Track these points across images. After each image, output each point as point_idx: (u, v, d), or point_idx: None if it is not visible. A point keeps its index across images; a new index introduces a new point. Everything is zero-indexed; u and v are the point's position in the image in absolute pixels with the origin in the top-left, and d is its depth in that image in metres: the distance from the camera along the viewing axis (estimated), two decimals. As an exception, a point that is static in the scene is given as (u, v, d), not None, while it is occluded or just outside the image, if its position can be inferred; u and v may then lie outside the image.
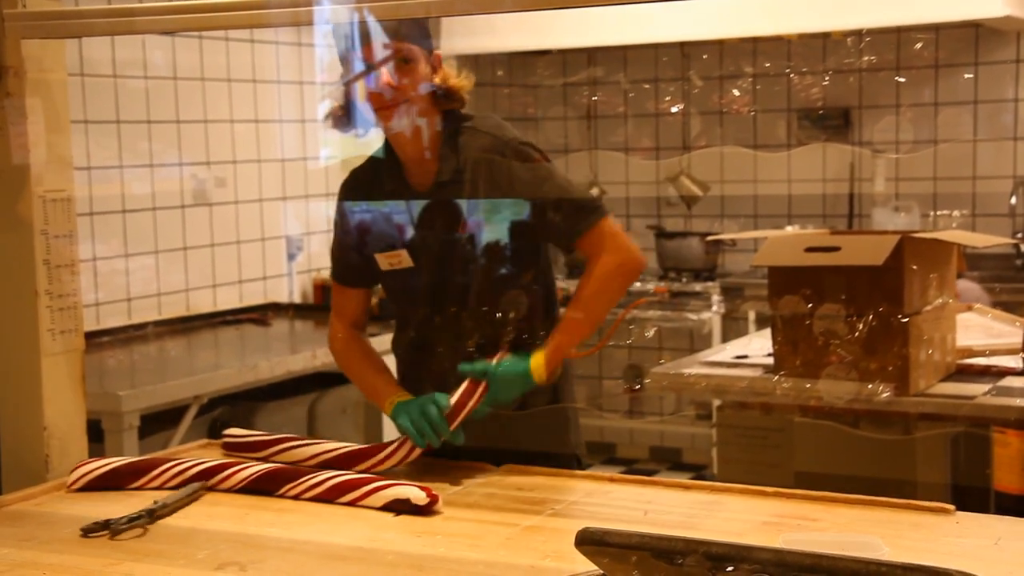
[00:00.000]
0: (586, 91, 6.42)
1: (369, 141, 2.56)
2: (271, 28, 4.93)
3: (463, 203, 2.46)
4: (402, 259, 2.50)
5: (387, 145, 2.51)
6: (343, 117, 2.50)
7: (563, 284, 5.81)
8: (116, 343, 4.40)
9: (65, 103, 2.42)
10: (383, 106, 2.41)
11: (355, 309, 2.64)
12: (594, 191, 6.20)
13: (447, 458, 2.42)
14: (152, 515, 2.06)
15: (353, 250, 2.56)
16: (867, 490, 2.14)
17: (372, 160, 2.56)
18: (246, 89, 5.15)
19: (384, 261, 2.52)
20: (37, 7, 2.34)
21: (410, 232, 2.49)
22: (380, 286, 2.64)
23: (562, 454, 2.55)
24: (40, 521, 2.11)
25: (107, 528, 2.00)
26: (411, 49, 2.39)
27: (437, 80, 2.44)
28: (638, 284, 5.86)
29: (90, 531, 2.00)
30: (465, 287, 2.49)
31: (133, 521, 2.03)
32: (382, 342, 4.62)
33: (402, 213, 2.51)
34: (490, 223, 2.47)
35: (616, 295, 2.50)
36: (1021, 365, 3.18)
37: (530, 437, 2.52)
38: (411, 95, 2.40)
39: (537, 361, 2.40)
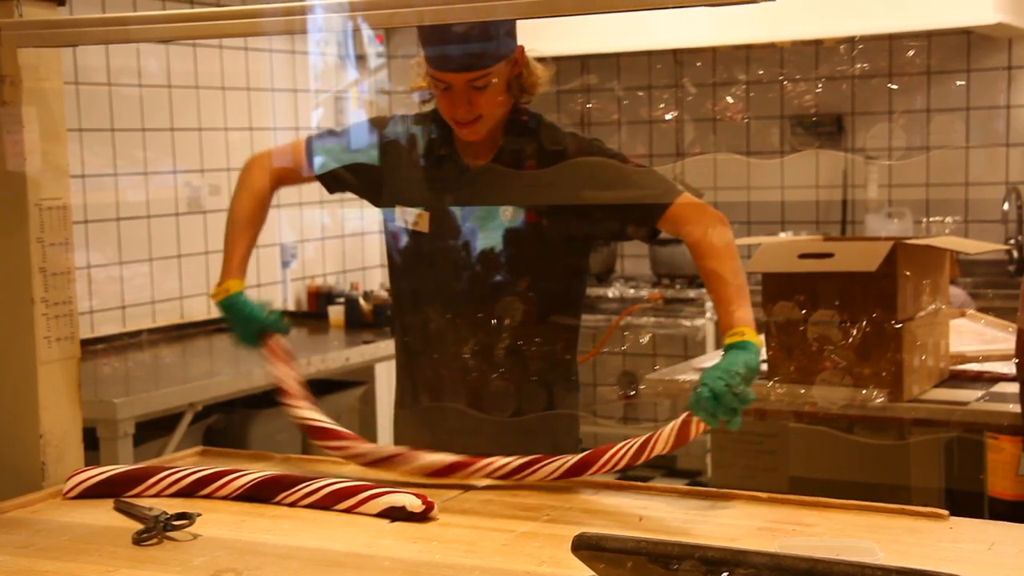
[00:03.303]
0: (580, 98, 6.42)
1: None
2: (265, 36, 4.93)
3: (515, 189, 2.47)
4: (420, 222, 2.51)
5: (440, 116, 2.52)
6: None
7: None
8: (111, 351, 4.40)
9: (61, 112, 2.43)
10: (459, 124, 2.44)
11: (292, 175, 2.63)
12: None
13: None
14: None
15: (360, 165, 2.57)
16: (861, 495, 2.15)
17: (423, 118, 2.56)
18: (240, 97, 5.16)
19: (401, 215, 2.53)
20: (33, 16, 2.35)
21: (443, 200, 2.50)
22: (390, 277, 2.63)
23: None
24: (36, 528, 2.11)
25: (154, 530, 2.01)
26: (487, 73, 2.39)
27: (519, 73, 2.47)
28: (631, 291, 5.87)
29: (143, 539, 2.00)
30: (487, 279, 2.49)
31: (180, 519, 2.03)
32: (377, 350, 4.64)
33: (446, 179, 2.50)
34: (547, 213, 2.46)
35: (735, 250, 2.42)
36: (1014, 371, 3.19)
37: (533, 442, 2.50)
38: (485, 111, 2.42)
39: (747, 334, 2.25)
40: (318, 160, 2.60)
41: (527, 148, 2.48)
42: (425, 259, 2.55)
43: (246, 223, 2.60)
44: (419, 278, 2.57)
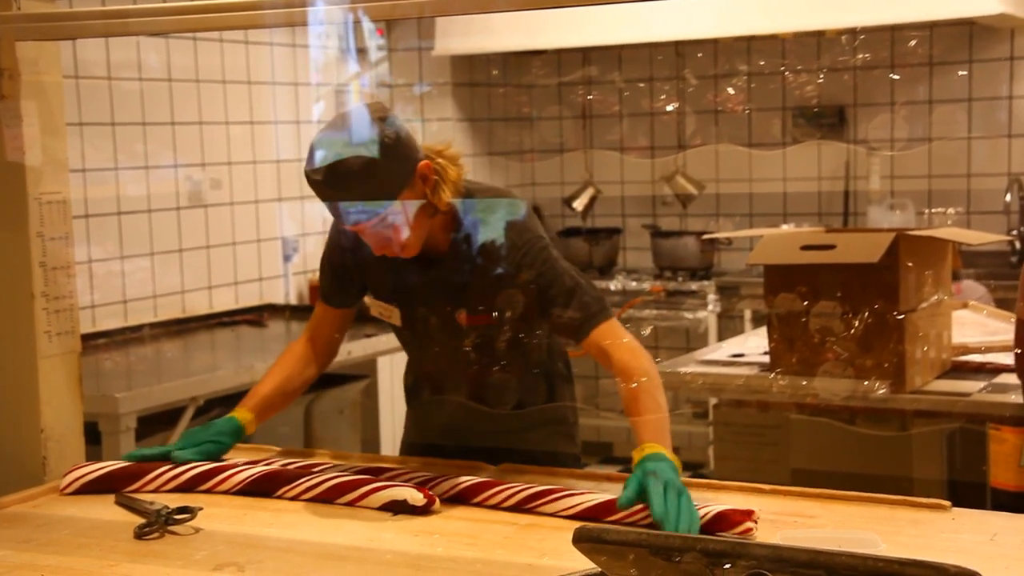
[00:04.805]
0: (581, 90, 6.41)
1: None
2: (265, 29, 4.93)
3: (465, 288, 2.38)
4: (392, 315, 2.46)
5: None
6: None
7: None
8: (112, 345, 4.40)
9: (60, 105, 2.42)
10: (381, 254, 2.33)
11: (321, 327, 2.56)
12: (589, 191, 6.21)
13: (445, 458, 2.43)
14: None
15: (341, 268, 2.48)
16: (864, 487, 2.15)
17: None
18: (241, 90, 5.15)
19: (375, 307, 2.48)
20: (32, 9, 2.34)
21: (406, 293, 2.43)
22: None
23: (562, 453, 2.54)
24: (38, 523, 2.11)
25: (156, 524, 2.01)
26: (389, 213, 2.23)
27: (428, 192, 2.27)
28: (633, 283, 5.86)
29: (144, 534, 2.00)
30: (458, 369, 2.47)
31: (181, 513, 2.03)
32: (379, 343, 4.64)
33: (408, 273, 2.41)
34: (493, 315, 2.40)
35: (655, 373, 2.31)
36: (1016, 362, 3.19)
37: (528, 436, 2.52)
38: (408, 238, 2.28)
39: (656, 449, 2.12)
40: (327, 296, 2.55)
41: (474, 242, 2.36)
42: (404, 337, 2.52)
43: (272, 372, 2.55)
44: (409, 345, 2.56)
